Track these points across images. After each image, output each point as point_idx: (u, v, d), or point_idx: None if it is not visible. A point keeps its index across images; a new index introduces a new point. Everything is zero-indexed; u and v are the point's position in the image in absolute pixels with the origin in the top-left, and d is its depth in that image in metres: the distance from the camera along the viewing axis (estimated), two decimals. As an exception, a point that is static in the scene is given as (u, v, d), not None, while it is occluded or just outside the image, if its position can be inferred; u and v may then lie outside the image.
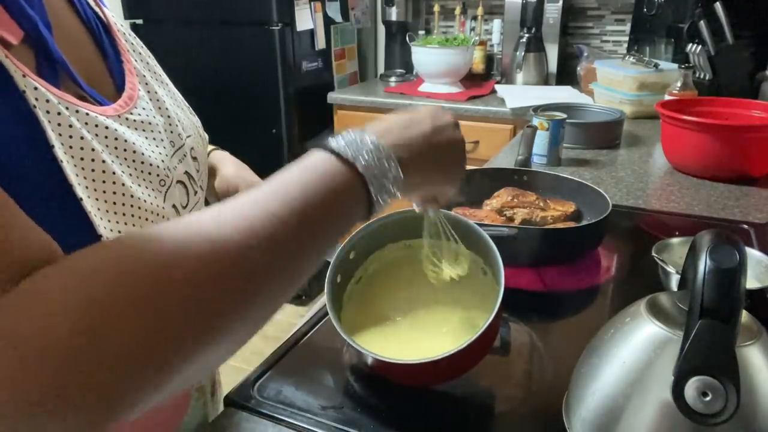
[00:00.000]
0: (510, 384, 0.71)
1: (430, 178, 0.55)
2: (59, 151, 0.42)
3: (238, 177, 0.78)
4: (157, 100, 0.58)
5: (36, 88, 0.41)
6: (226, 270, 0.37)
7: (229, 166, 0.79)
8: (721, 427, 0.46)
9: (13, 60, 0.40)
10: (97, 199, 0.44)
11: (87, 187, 0.44)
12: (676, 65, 1.84)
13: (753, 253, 0.83)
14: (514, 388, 0.70)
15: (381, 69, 2.96)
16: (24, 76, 0.41)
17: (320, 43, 2.55)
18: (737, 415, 0.46)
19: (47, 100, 0.42)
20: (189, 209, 0.58)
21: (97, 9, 0.57)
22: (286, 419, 0.63)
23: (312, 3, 2.46)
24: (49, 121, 0.42)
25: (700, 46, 1.92)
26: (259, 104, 2.45)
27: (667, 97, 1.68)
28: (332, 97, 2.51)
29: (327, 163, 0.46)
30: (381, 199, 0.47)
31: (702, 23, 1.88)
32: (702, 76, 1.94)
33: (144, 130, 0.53)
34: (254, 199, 0.41)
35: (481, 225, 0.92)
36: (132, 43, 0.60)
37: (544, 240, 0.94)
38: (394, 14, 2.67)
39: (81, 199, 0.43)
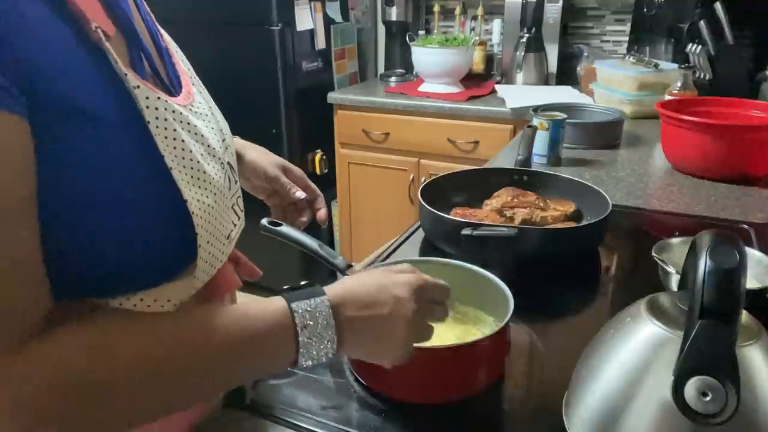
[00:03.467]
0: (510, 384, 0.71)
1: (365, 355, 0.60)
2: (153, 128, 0.48)
3: (263, 158, 0.86)
4: (204, 99, 0.63)
5: (126, 75, 0.47)
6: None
7: (251, 150, 0.87)
8: (721, 427, 0.46)
9: (111, 49, 0.46)
10: (180, 171, 0.50)
11: (173, 159, 0.49)
12: (676, 65, 1.84)
13: (753, 253, 0.83)
14: (514, 388, 0.71)
15: (381, 69, 2.96)
16: (117, 63, 0.46)
17: (320, 43, 2.55)
18: (737, 415, 0.46)
19: (138, 86, 0.48)
20: (231, 194, 0.63)
21: (149, 18, 0.62)
22: (286, 419, 0.63)
23: (312, 3, 2.46)
24: (143, 104, 0.48)
25: (700, 46, 1.92)
26: (259, 104, 2.45)
27: (667, 97, 1.68)
28: (332, 97, 2.51)
29: (279, 322, 0.51)
30: (303, 366, 0.53)
31: (702, 23, 1.88)
32: (702, 76, 1.94)
33: (203, 120, 0.58)
34: (204, 326, 0.49)
35: (480, 225, 0.92)
36: (177, 50, 0.66)
37: (544, 240, 0.94)
38: (394, 14, 2.67)
39: (171, 168, 0.49)
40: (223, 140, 0.63)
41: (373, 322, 0.56)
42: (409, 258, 0.92)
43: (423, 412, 0.65)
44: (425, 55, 2.39)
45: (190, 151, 0.52)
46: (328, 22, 2.59)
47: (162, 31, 0.64)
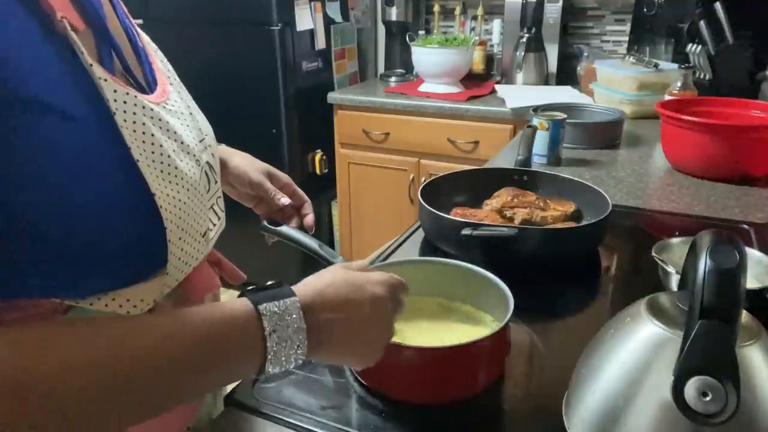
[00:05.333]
0: (510, 384, 0.71)
1: (338, 359, 0.58)
2: (119, 119, 0.47)
3: (246, 164, 0.84)
4: (182, 99, 0.63)
5: (91, 65, 0.46)
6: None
7: (235, 156, 0.86)
8: (721, 427, 0.46)
9: (76, 39, 0.46)
10: (149, 165, 0.49)
11: (141, 153, 0.49)
12: (676, 65, 1.84)
13: (753, 253, 0.83)
14: (514, 388, 0.71)
15: (381, 69, 2.96)
16: (83, 53, 0.46)
17: (320, 43, 2.55)
18: (737, 415, 0.46)
19: (105, 79, 0.47)
20: (210, 194, 0.62)
21: (126, 18, 0.62)
22: (286, 419, 0.63)
23: (312, 3, 2.46)
24: (109, 96, 0.47)
25: (700, 46, 1.92)
26: (259, 104, 2.45)
27: (667, 97, 1.68)
28: (332, 97, 2.51)
29: (244, 325, 0.48)
30: (271, 371, 0.49)
31: (702, 23, 1.88)
32: (702, 76, 1.94)
33: (179, 118, 0.57)
34: (163, 333, 0.45)
35: (480, 225, 0.92)
36: (155, 51, 0.66)
37: (544, 240, 0.94)
38: (394, 14, 2.67)
39: (138, 161, 0.48)
40: (202, 140, 0.62)
41: (349, 324, 0.53)
42: (409, 258, 0.92)
43: (423, 412, 0.65)
44: (425, 55, 2.39)
45: (161, 146, 0.51)
46: (328, 22, 2.59)
47: (140, 31, 0.64)
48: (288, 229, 0.81)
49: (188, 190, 0.54)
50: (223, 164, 0.82)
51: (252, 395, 0.66)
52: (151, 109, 0.52)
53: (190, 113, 0.62)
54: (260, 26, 2.34)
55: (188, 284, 0.58)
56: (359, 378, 0.69)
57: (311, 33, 2.50)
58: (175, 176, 0.52)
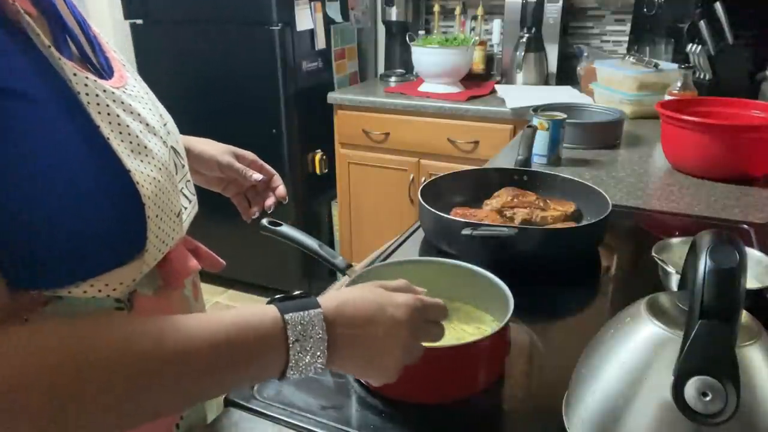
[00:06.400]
0: (510, 384, 0.71)
1: (352, 372, 0.61)
2: (83, 98, 0.48)
3: (211, 149, 0.85)
4: (140, 85, 0.62)
5: (50, 47, 0.47)
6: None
7: (198, 143, 0.85)
8: (721, 427, 0.46)
9: (31, 22, 0.46)
10: (119, 144, 0.50)
11: (110, 132, 0.49)
12: (676, 65, 1.84)
13: (753, 253, 0.83)
14: (514, 388, 0.71)
15: (381, 69, 2.96)
16: (39, 36, 0.46)
17: (320, 43, 2.55)
18: (737, 415, 0.46)
19: (65, 63, 0.47)
20: (179, 177, 0.62)
21: (74, 7, 0.61)
22: (286, 419, 0.63)
23: (312, 3, 2.46)
24: (69, 77, 0.47)
25: (700, 46, 1.92)
26: (259, 104, 2.45)
27: (667, 97, 1.68)
28: (332, 97, 2.51)
29: (270, 333, 0.49)
30: (291, 377, 0.51)
31: (702, 23, 1.88)
32: (702, 76, 1.94)
33: (140, 102, 0.57)
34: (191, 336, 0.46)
35: (480, 225, 0.92)
36: (108, 42, 0.65)
37: (544, 240, 0.94)
38: (394, 14, 2.67)
39: (108, 138, 0.48)
40: (165, 124, 0.62)
41: (366, 342, 0.54)
42: (409, 258, 0.92)
43: (423, 412, 0.65)
44: (425, 55, 2.38)
45: (128, 126, 0.51)
46: (328, 22, 2.58)
47: (88, 21, 0.64)
48: (288, 229, 0.81)
49: (160, 169, 0.54)
50: (188, 152, 0.82)
51: (252, 395, 0.66)
52: (113, 93, 0.52)
53: (150, 99, 0.62)
54: (260, 26, 2.34)
55: (167, 267, 0.59)
56: (359, 378, 0.69)
57: (311, 33, 2.49)
58: (146, 155, 0.52)
